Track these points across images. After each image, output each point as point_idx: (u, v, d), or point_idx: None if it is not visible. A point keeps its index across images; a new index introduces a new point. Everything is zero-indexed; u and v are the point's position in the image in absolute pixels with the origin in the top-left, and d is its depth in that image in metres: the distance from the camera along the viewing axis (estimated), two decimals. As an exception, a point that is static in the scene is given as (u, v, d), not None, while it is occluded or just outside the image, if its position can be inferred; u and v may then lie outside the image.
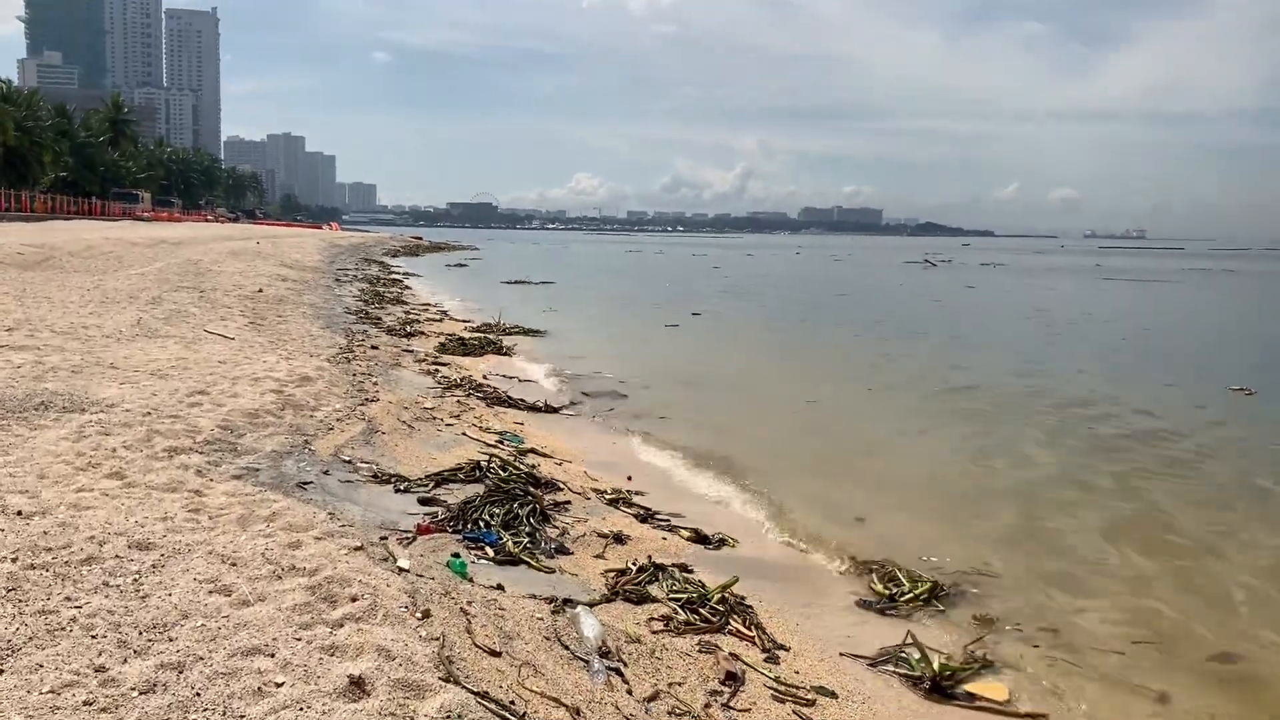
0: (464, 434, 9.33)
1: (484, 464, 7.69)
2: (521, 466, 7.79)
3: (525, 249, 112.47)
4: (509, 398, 11.92)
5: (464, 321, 21.69)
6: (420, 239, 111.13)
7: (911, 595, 6.09)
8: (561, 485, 7.57)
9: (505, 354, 16.52)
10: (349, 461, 7.42)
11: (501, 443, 9.15)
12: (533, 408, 11.77)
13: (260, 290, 20.57)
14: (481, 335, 17.83)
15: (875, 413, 13.55)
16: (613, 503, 7.46)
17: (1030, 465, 10.37)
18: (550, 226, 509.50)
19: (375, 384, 11.02)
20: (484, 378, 13.63)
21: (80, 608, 3.89)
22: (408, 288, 31.70)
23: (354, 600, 4.24)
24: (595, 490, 7.75)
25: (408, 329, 17.92)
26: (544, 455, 8.93)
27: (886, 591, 6.20)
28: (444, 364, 14.38)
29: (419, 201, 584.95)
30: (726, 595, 5.57)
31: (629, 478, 8.54)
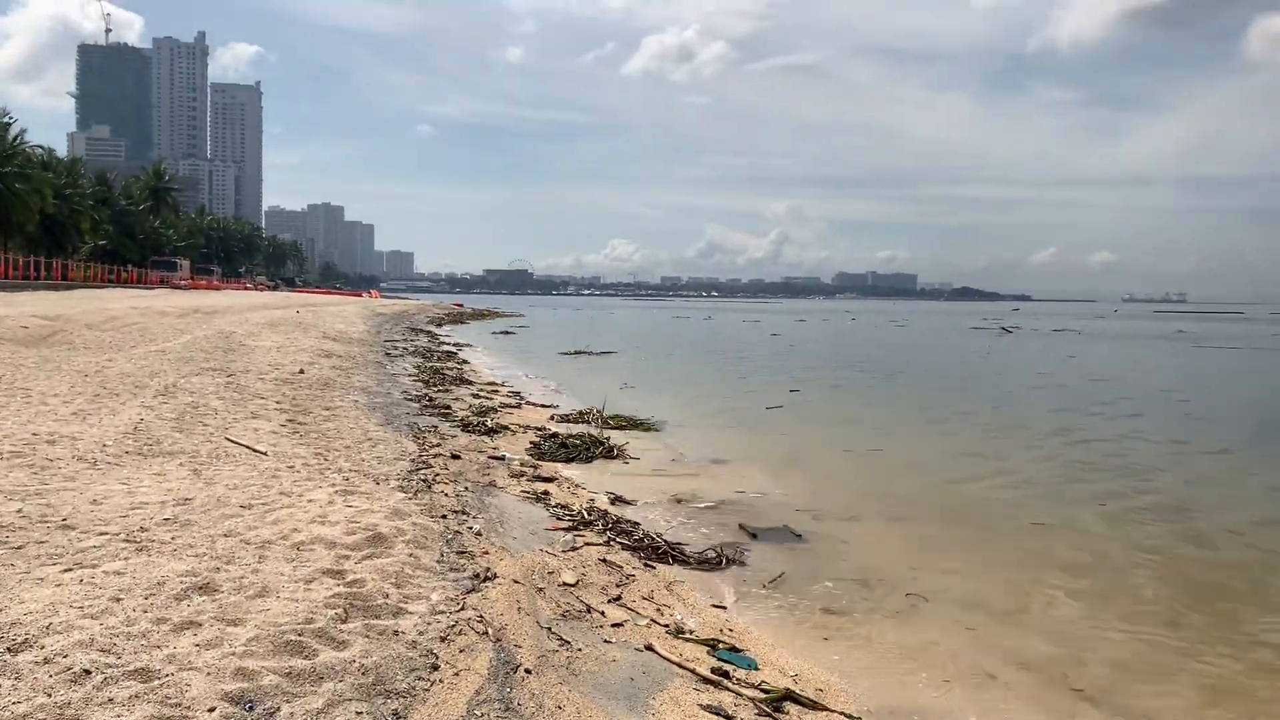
0: (650, 647, 5.41)
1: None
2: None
3: (568, 315, 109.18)
4: (671, 549, 7.97)
5: (545, 406, 17.84)
6: (461, 305, 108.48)
7: None
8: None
9: (619, 458, 12.63)
10: (490, 784, 3.52)
11: (726, 675, 5.20)
12: (706, 561, 7.88)
13: (301, 371, 16.93)
14: (584, 434, 13.84)
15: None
16: None
17: None
18: (586, 292, 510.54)
19: (477, 534, 7.14)
20: (612, 503, 9.76)
21: None
22: (465, 361, 28.00)
23: None
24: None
25: (486, 422, 14.09)
26: (811, 705, 4.96)
27: None
28: (548, 478, 10.53)
29: (455, 268, 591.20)
30: None
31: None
